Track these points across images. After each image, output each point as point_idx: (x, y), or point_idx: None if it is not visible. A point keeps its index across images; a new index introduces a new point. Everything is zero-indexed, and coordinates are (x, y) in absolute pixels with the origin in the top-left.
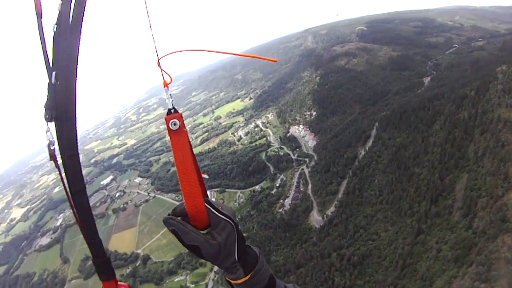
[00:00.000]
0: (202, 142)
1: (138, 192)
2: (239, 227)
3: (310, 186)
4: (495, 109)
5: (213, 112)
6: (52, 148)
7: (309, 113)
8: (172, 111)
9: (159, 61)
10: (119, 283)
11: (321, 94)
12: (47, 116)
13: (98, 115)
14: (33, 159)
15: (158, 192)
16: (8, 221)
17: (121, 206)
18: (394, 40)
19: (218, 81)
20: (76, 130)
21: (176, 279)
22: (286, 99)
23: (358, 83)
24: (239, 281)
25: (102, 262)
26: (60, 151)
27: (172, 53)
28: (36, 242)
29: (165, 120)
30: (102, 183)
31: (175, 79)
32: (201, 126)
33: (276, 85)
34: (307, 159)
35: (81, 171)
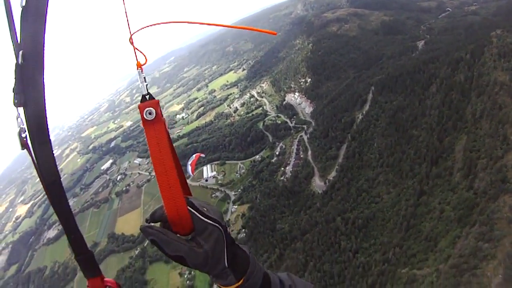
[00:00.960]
0: (198, 117)
1: (139, 173)
2: (228, 230)
3: (310, 152)
4: (491, 72)
5: (207, 86)
6: (23, 136)
7: (303, 80)
8: (147, 97)
9: (131, 37)
10: (105, 279)
11: (315, 61)
12: (16, 101)
13: (91, 101)
14: None
15: None
16: (14, 219)
17: (124, 188)
18: (385, 5)
19: (209, 55)
20: (46, 115)
21: None
22: (280, 67)
23: (351, 48)
24: (231, 287)
25: (85, 258)
26: (30, 139)
27: (146, 27)
28: (43, 236)
29: (139, 108)
30: (102, 168)
31: (165, 57)
32: (196, 101)
33: (269, 54)
34: (305, 126)
35: (54, 160)
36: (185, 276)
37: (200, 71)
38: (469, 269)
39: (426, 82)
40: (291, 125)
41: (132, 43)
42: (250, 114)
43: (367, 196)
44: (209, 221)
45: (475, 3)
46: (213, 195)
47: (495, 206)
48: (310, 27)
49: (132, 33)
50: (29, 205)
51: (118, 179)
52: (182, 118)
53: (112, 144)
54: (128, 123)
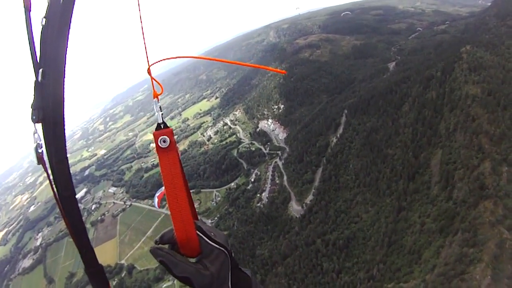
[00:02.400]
0: None
1: (114, 202)
2: (233, 254)
3: (285, 178)
4: (462, 87)
5: (180, 115)
6: (40, 151)
7: (276, 106)
8: (162, 126)
9: (149, 69)
10: None
11: (287, 87)
12: (34, 117)
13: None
14: (5, 179)
15: (134, 199)
16: None
17: (99, 218)
18: (356, 29)
19: (182, 83)
20: (64, 132)
21: (164, 285)
22: (253, 95)
23: (324, 73)
24: None
25: (96, 271)
26: (48, 155)
27: (164, 59)
28: (18, 265)
29: (153, 136)
30: (76, 197)
31: (138, 86)
32: None
33: (241, 82)
34: (279, 152)
35: (70, 175)
36: None
37: (173, 99)
38: (457, 275)
39: (398, 102)
40: (265, 151)
41: (150, 73)
42: (224, 142)
43: (346, 217)
44: (215, 245)
45: (447, 22)
46: None
47: (476, 213)
48: (282, 54)
49: (150, 64)
50: (3, 232)
51: (92, 208)
52: None
53: (86, 172)
54: (102, 152)
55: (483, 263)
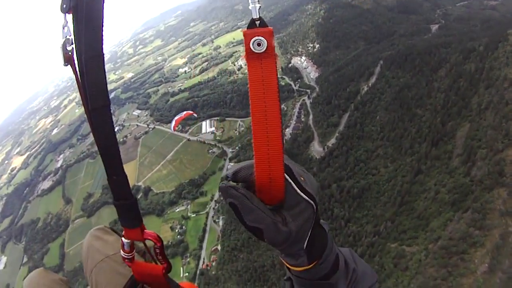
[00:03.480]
0: (201, 72)
1: (137, 125)
2: (318, 208)
3: (311, 117)
4: (502, 68)
5: (213, 42)
6: (69, 49)
7: (312, 45)
8: (258, 23)
9: None
10: (146, 231)
11: (325, 28)
12: (64, 5)
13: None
14: (30, 104)
15: (158, 123)
16: (9, 171)
17: (121, 140)
18: None
19: (217, 11)
20: (102, 21)
21: (177, 209)
22: (289, 30)
23: (364, 21)
24: (298, 269)
25: (127, 205)
26: (77, 52)
27: None
28: (38, 187)
29: (244, 36)
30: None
31: (172, 11)
32: (200, 56)
33: (279, 16)
34: (308, 91)
35: (105, 80)
36: (176, 230)
37: (207, 26)
38: (458, 253)
39: (435, 65)
40: (294, 88)
41: None
42: None
43: (364, 167)
44: (305, 196)
45: None
46: (210, 151)
47: (490, 196)
48: None
49: None
50: (25, 156)
51: (116, 130)
52: (185, 72)
53: (112, 95)
54: (129, 75)
55: (485, 249)
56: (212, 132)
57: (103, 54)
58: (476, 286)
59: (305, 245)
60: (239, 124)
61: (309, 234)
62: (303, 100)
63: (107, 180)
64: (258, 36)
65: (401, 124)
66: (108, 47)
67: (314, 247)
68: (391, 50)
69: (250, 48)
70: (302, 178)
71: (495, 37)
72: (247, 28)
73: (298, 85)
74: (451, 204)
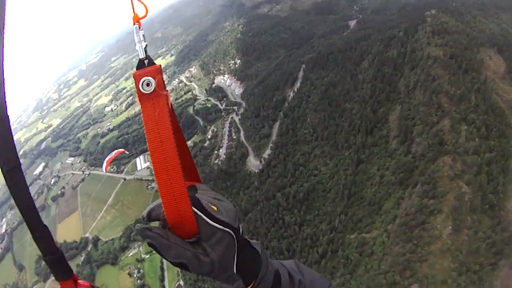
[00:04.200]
0: (127, 107)
1: (72, 173)
2: (241, 230)
3: (242, 133)
4: (425, 48)
5: None
6: None
7: (233, 61)
8: (146, 62)
9: None
10: (79, 281)
11: (245, 42)
12: None
13: (19, 103)
14: None
15: (92, 168)
16: None
17: (59, 192)
18: None
19: (135, 42)
20: (3, 85)
21: (130, 254)
22: (209, 50)
23: (282, 29)
24: None
25: (54, 259)
26: None
27: None
28: None
29: (134, 77)
30: (35, 173)
31: (93, 48)
32: (124, 91)
33: (198, 38)
34: (235, 107)
35: (13, 141)
36: (135, 275)
37: (128, 59)
38: (418, 225)
39: (357, 59)
40: (221, 107)
41: None
42: (180, 100)
43: (304, 170)
44: (219, 226)
45: None
46: (149, 187)
47: (435, 167)
48: (241, 9)
49: None
50: None
51: (52, 182)
52: (111, 110)
53: (43, 145)
54: (57, 121)
55: (443, 214)
56: (148, 167)
57: (8, 116)
58: (445, 249)
59: (234, 270)
60: None
61: (235, 259)
62: (232, 117)
63: (32, 237)
64: (147, 76)
65: (333, 121)
66: (33, 96)
67: (247, 270)
68: (312, 53)
69: (140, 90)
70: (214, 208)
71: (413, 21)
72: (136, 69)
73: (224, 103)
74: (399, 183)
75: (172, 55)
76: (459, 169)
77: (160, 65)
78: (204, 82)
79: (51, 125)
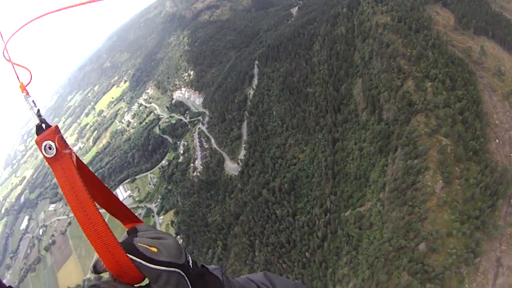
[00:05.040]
0: (94, 142)
1: (58, 219)
2: (191, 264)
3: (213, 140)
4: (371, 18)
5: (94, 109)
6: None
7: (186, 74)
8: (44, 126)
9: (6, 50)
10: None
11: (193, 52)
12: None
13: None
14: None
15: None
16: None
17: (50, 241)
18: None
19: (88, 76)
20: None
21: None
22: (161, 69)
23: (227, 31)
24: None
25: None
26: None
27: (19, 30)
28: None
29: (36, 144)
30: (21, 228)
31: (47, 92)
32: (88, 126)
33: (147, 59)
34: (200, 117)
35: None
36: None
37: (84, 95)
38: (409, 186)
39: (308, 43)
40: (186, 120)
41: (9, 60)
42: (144, 123)
43: (283, 162)
44: (161, 267)
45: None
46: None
47: (410, 128)
48: (182, 21)
49: (5, 42)
50: None
51: (40, 233)
52: (79, 148)
53: (22, 199)
54: (30, 172)
55: (431, 170)
56: (129, 196)
57: None
58: (442, 203)
59: None
60: (150, 177)
61: None
62: (199, 128)
63: None
64: (46, 140)
65: (298, 108)
66: (1, 153)
67: None
68: (262, 48)
69: (45, 155)
70: (153, 249)
71: (353, 0)
72: (36, 135)
73: (188, 116)
74: (379, 152)
75: (125, 81)
76: (434, 124)
77: (56, 125)
78: (163, 100)
79: (25, 177)
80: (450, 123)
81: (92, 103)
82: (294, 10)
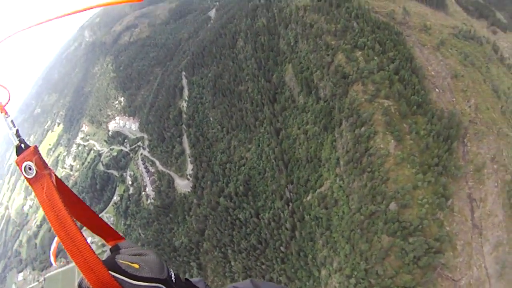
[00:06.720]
0: None
1: None
2: (174, 279)
3: (157, 163)
4: (290, 3)
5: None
6: None
7: (117, 101)
8: (23, 146)
9: None
10: None
11: (120, 78)
12: None
13: None
14: None
15: (44, 272)
16: None
17: None
18: None
19: (21, 127)
20: None
21: None
22: (91, 102)
23: (149, 48)
24: None
25: None
26: None
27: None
28: None
29: (16, 164)
30: None
31: None
32: None
33: (75, 95)
34: (139, 143)
35: None
36: None
37: None
38: (363, 154)
39: (231, 42)
40: (127, 149)
41: None
42: (86, 163)
43: (231, 165)
44: (143, 283)
45: None
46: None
47: (350, 98)
48: (103, 48)
49: None
50: None
51: None
52: (30, 206)
53: None
54: None
55: (380, 133)
56: (92, 242)
57: None
58: (400, 160)
59: None
60: (106, 218)
61: None
62: (141, 154)
63: None
64: (25, 161)
65: (234, 108)
66: None
67: None
68: (186, 57)
69: (25, 176)
70: (135, 266)
71: None
72: (16, 156)
73: (128, 145)
74: (324, 129)
75: (58, 123)
76: (373, 89)
77: (35, 145)
78: (100, 134)
79: None
80: (388, 84)
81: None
82: (212, 13)
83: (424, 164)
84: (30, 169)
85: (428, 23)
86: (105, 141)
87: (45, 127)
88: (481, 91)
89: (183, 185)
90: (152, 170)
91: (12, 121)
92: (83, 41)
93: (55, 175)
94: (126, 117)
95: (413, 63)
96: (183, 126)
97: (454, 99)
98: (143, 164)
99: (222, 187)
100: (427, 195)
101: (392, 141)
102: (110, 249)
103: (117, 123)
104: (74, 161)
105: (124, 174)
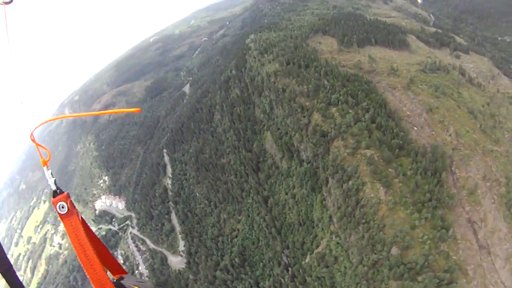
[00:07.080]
0: (33, 272)
1: None
2: None
3: (148, 241)
4: (261, 71)
5: (22, 237)
6: None
7: (102, 180)
8: (58, 191)
9: (32, 135)
10: None
11: (103, 156)
12: None
13: None
14: None
15: None
16: None
17: None
18: (143, 70)
19: (7, 202)
20: None
21: None
22: (76, 181)
23: (129, 127)
24: None
25: None
26: None
27: (45, 122)
28: None
29: (52, 203)
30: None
31: None
32: (21, 257)
33: (59, 173)
34: (128, 222)
35: (3, 250)
36: None
37: (7, 224)
38: (355, 207)
39: (208, 116)
40: (115, 229)
41: (33, 140)
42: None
43: (224, 238)
44: None
45: (221, 27)
46: None
47: (332, 155)
48: (84, 127)
49: (32, 130)
50: None
51: None
52: (23, 257)
53: None
54: None
55: (367, 183)
56: None
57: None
58: (392, 205)
59: None
60: None
61: None
62: (131, 232)
63: None
64: (60, 201)
65: (219, 181)
66: None
67: None
68: (165, 135)
69: (59, 212)
70: None
71: (239, 54)
72: (53, 197)
73: (116, 224)
74: (312, 190)
75: (44, 201)
76: (353, 142)
77: (68, 192)
78: (87, 213)
79: None
80: (367, 134)
81: (19, 231)
82: (187, 88)
83: (418, 203)
84: (63, 207)
85: (395, 65)
86: (93, 220)
87: (31, 203)
88: (457, 117)
89: (176, 261)
90: (143, 249)
91: (51, 173)
92: (64, 119)
93: (81, 215)
94: (112, 196)
95: (387, 108)
96: (170, 203)
97: (433, 132)
98: (134, 242)
99: (217, 260)
100: (426, 232)
101: (381, 188)
102: (115, 280)
103: (103, 202)
104: (62, 239)
105: (115, 253)
